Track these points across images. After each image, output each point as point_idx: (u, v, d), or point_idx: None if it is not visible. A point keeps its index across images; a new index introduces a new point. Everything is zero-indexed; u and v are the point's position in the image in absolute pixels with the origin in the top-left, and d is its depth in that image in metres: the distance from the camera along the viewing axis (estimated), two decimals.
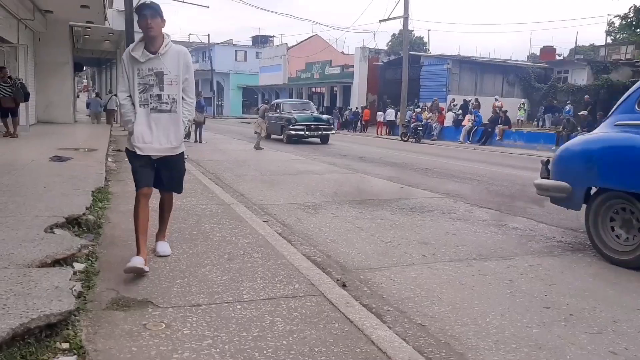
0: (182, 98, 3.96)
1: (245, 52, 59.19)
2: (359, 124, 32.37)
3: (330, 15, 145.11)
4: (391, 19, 28.35)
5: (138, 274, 3.67)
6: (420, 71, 31.77)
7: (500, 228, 6.20)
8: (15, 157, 9.22)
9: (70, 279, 3.26)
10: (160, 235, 4.40)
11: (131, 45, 3.93)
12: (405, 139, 24.62)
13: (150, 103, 3.86)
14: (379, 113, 30.22)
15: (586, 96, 25.64)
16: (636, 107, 5.00)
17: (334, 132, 21.56)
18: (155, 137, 3.89)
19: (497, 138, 22.40)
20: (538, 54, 41.35)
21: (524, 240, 5.63)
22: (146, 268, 3.71)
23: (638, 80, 22.82)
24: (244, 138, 22.21)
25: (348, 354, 2.73)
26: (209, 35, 55.10)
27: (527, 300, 3.82)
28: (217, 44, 57.23)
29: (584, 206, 5.20)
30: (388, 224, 6.25)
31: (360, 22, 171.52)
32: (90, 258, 4.04)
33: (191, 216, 5.85)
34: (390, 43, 54.45)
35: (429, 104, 27.90)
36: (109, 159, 10.50)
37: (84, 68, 43.52)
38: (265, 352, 2.71)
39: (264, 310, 3.24)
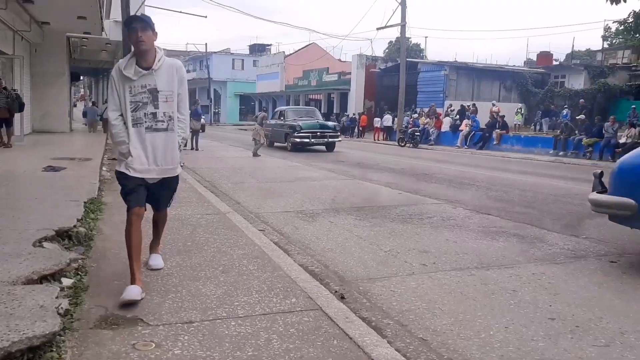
0: None
1: (243, 60, 59.17)
2: (356, 129, 32.30)
3: (327, 23, 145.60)
4: (388, 26, 28.37)
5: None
6: (417, 77, 31.73)
7: (501, 235, 6.08)
8: (8, 168, 9.10)
9: (56, 297, 3.13)
10: (154, 247, 4.26)
11: (121, 62, 3.64)
12: (403, 144, 24.54)
13: (145, 122, 3.58)
14: (376, 119, 30.15)
15: (581, 100, 25.62)
16: None
17: (340, 139, 20.70)
18: (151, 159, 3.61)
19: (495, 142, 22.31)
20: (535, 59, 41.35)
21: (525, 247, 5.51)
22: (142, 295, 3.47)
23: (633, 84, 22.75)
24: (241, 145, 22.09)
25: None
26: (206, 44, 55.17)
27: (531, 311, 3.69)
28: (215, 52, 57.21)
29: None
30: (387, 232, 6.13)
31: (357, 30, 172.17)
32: (79, 272, 3.91)
33: (186, 226, 5.73)
34: (387, 50, 54.43)
35: (426, 110, 27.85)
36: (104, 168, 10.38)
37: (81, 78, 43.42)
38: None
39: (259, 327, 3.11)
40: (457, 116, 25.83)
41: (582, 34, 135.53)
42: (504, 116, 23.24)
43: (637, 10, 16.26)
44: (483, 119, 24.19)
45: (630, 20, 16.53)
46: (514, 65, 37.05)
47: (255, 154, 16.74)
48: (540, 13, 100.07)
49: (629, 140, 16.94)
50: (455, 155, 19.77)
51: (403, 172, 12.83)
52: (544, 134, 23.97)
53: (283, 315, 3.29)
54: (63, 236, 4.72)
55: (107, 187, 8.19)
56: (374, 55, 38.47)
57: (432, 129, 25.51)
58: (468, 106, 25.47)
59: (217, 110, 57.53)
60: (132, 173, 3.57)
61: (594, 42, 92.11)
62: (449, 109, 27.30)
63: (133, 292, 3.38)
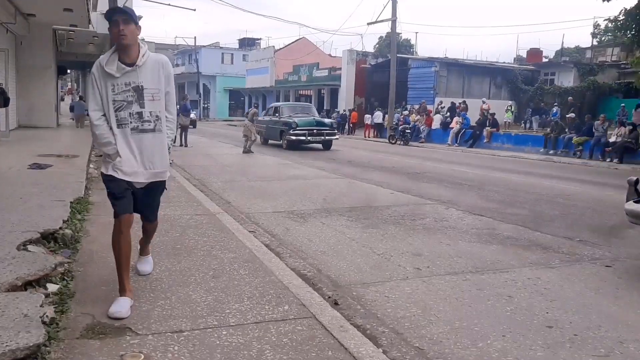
0: None
1: (232, 54, 58.75)
2: (346, 126, 32.19)
3: (317, 18, 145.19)
4: (379, 21, 28.26)
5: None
6: (407, 74, 31.70)
7: (495, 237, 6.03)
8: None
9: (41, 305, 3.02)
10: (144, 249, 4.09)
11: (102, 57, 3.38)
12: (393, 142, 24.48)
13: (130, 122, 3.34)
14: (367, 116, 30.06)
15: (569, 98, 25.71)
16: None
17: (337, 137, 19.89)
18: (139, 162, 3.38)
19: (485, 140, 22.32)
20: (524, 56, 41.48)
21: (519, 251, 5.46)
22: (131, 303, 3.33)
23: (622, 82, 22.68)
24: (231, 141, 21.92)
25: None
26: (195, 38, 54.36)
27: (528, 319, 3.63)
28: (204, 46, 56.80)
29: None
30: (380, 234, 6.05)
31: (347, 25, 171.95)
32: (65, 277, 3.79)
33: (175, 228, 5.61)
34: (377, 45, 54.34)
35: (416, 107, 27.82)
36: (91, 165, 10.20)
37: (68, 71, 42.90)
38: None
39: (251, 337, 3.01)
40: (448, 113, 25.83)
41: (572, 31, 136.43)
42: (494, 114, 23.26)
43: (628, 8, 16.27)
44: (473, 116, 24.21)
45: (622, 17, 16.53)
46: (504, 62, 37.14)
47: (245, 151, 16.61)
48: (530, 9, 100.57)
49: (619, 139, 16.99)
50: (446, 154, 19.76)
51: (394, 171, 12.77)
52: (534, 132, 24.02)
53: (276, 324, 3.20)
54: (48, 238, 4.59)
55: (94, 185, 8.03)
56: (364, 50, 38.39)
57: (422, 126, 25.48)
58: (459, 104, 25.46)
59: (206, 105, 57.16)
60: (120, 175, 3.35)
61: (583, 39, 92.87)
62: (439, 106, 27.28)
63: (122, 307, 3.22)
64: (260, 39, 63.60)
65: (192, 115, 31.84)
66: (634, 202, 4.97)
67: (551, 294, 4.14)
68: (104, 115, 3.35)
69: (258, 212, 7.11)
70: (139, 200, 3.53)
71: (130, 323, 3.11)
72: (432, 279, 4.48)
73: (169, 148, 3.57)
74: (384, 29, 66.40)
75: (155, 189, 3.60)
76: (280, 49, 50.18)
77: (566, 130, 19.60)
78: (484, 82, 31.79)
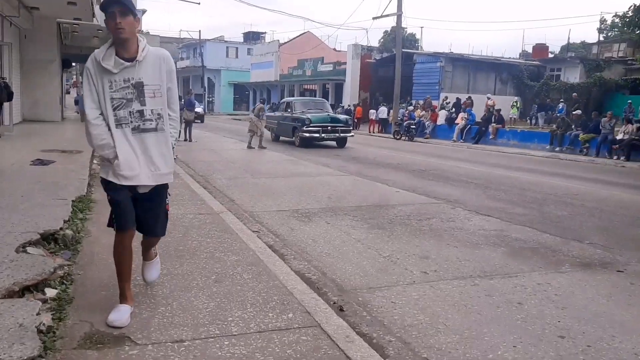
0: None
1: (237, 48, 58.63)
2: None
3: (322, 12, 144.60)
4: (384, 16, 28.02)
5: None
6: (413, 69, 31.52)
7: (503, 239, 5.91)
8: None
9: (38, 313, 2.93)
10: (148, 254, 3.68)
11: (97, 52, 3.14)
12: (398, 137, 24.35)
13: (131, 122, 3.12)
14: (372, 111, 29.88)
15: (574, 94, 25.49)
16: None
17: (352, 134, 19.06)
18: (143, 164, 3.15)
19: (491, 137, 22.15)
20: (530, 51, 41.19)
21: (529, 254, 5.34)
22: (131, 310, 3.23)
23: (629, 78, 22.45)
24: (235, 136, 21.82)
25: None
26: (200, 31, 54.40)
27: (539, 328, 3.53)
28: (209, 40, 56.65)
29: None
30: (385, 235, 5.95)
31: (353, 19, 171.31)
32: (64, 281, 3.70)
33: (178, 228, 5.51)
34: (382, 40, 54.06)
35: (421, 102, 27.65)
36: (95, 161, 10.11)
37: (73, 64, 42.81)
38: None
39: (254, 347, 2.92)
40: (453, 109, 25.65)
41: (578, 26, 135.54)
42: (500, 110, 23.07)
43: (637, 4, 16.06)
44: (478, 112, 24.04)
45: (630, 14, 16.33)
46: (509, 58, 36.88)
47: (250, 146, 16.54)
48: (536, 4, 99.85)
49: (626, 137, 16.81)
50: (451, 150, 19.62)
51: (399, 168, 12.65)
52: (539, 128, 23.85)
53: (280, 334, 3.11)
54: (49, 239, 4.50)
55: (97, 182, 7.92)
56: (369, 45, 38.17)
57: (427, 122, 25.31)
58: (465, 100, 25.28)
59: (211, 99, 57.06)
60: (121, 181, 3.11)
61: (589, 34, 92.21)
62: (444, 102, 27.12)
63: (122, 316, 3.11)
64: (265, 32, 63.63)
65: (200, 110, 31.76)
66: None
67: (562, 301, 4.03)
68: (102, 114, 3.13)
69: (262, 211, 7.02)
70: (141, 208, 3.27)
71: (129, 332, 3.02)
72: (440, 283, 4.38)
73: (173, 147, 3.34)
74: (389, 23, 66.19)
75: (158, 193, 3.32)
76: (285, 43, 50.04)
77: (572, 127, 19.42)
78: (490, 77, 31.59)
